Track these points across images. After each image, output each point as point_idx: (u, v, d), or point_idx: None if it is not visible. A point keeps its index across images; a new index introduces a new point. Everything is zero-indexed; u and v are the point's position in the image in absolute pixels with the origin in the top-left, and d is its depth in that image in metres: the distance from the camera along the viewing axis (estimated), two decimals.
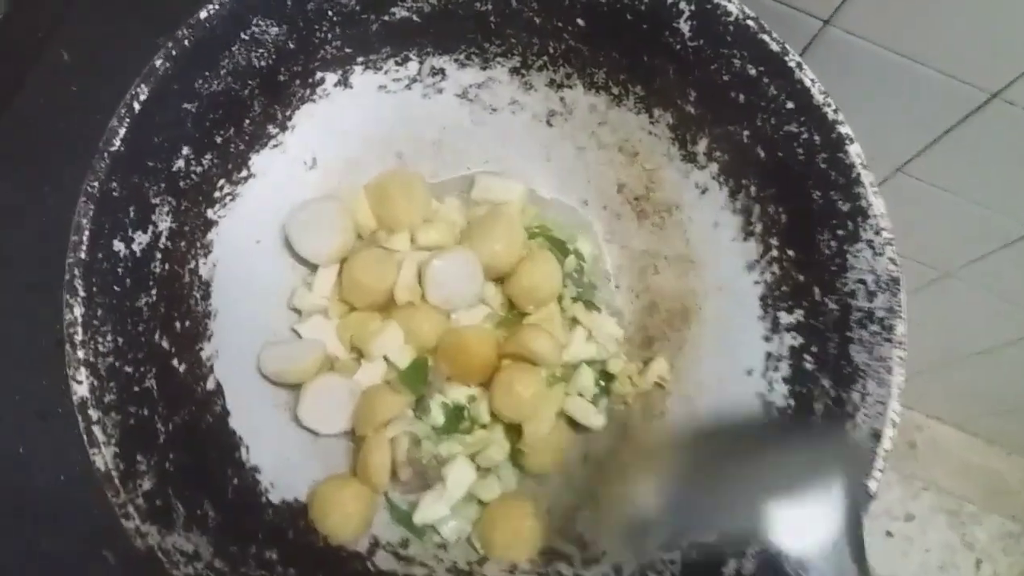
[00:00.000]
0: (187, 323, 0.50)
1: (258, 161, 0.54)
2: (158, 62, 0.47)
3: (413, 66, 0.57)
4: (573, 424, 0.59)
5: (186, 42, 0.48)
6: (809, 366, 0.53)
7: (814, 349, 0.53)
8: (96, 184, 0.45)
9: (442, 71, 0.58)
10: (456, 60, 0.57)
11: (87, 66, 0.68)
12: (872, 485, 0.47)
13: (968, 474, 1.21)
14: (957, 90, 0.63)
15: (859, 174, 0.51)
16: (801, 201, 0.54)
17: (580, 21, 0.55)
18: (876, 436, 0.48)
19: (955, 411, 1.18)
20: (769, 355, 0.55)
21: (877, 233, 0.51)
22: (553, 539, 0.55)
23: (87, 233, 0.44)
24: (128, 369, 0.45)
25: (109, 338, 0.45)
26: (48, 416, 0.59)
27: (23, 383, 0.60)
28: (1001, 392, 1.05)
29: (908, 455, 1.21)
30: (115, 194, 0.46)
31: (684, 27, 0.53)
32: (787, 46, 0.52)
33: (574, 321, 0.60)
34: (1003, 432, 1.18)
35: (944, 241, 0.81)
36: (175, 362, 0.48)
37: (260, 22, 0.50)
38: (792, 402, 0.53)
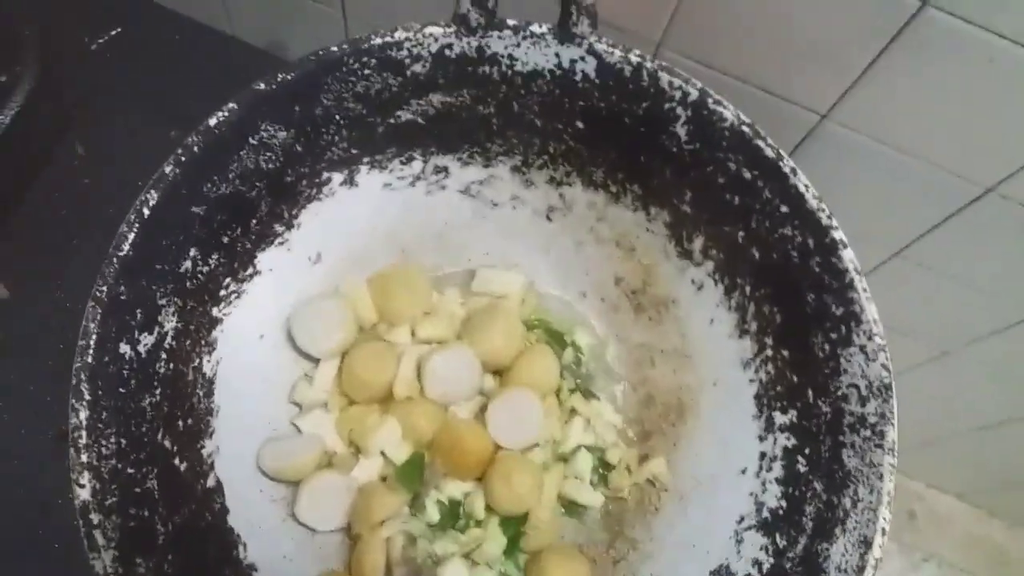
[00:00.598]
0: (189, 421, 0.51)
1: (264, 259, 0.55)
2: (167, 168, 0.49)
3: (417, 165, 0.59)
4: (570, 508, 0.60)
5: (195, 148, 0.49)
6: (802, 468, 0.54)
7: (807, 451, 0.54)
8: (104, 289, 0.46)
9: (445, 169, 0.59)
10: (459, 159, 0.59)
11: (101, 159, 0.71)
12: None
13: (970, 546, 1.20)
14: (953, 183, 0.64)
15: (852, 279, 0.52)
16: (795, 303, 0.54)
17: (579, 123, 0.57)
18: (867, 543, 0.49)
19: (956, 482, 1.17)
20: (763, 455, 0.55)
21: (870, 339, 0.51)
22: None
23: (94, 338, 0.46)
24: (130, 470, 0.46)
25: (112, 440, 0.46)
26: (50, 511, 0.60)
27: (24, 474, 0.61)
28: (1002, 466, 1.05)
29: (908, 525, 1.19)
30: (122, 298, 0.47)
31: (681, 131, 0.55)
32: (781, 152, 0.53)
33: (572, 412, 0.61)
34: (1005, 505, 1.17)
35: (942, 322, 0.81)
36: (176, 461, 0.49)
37: (268, 127, 0.52)
38: (784, 504, 0.53)
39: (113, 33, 0.76)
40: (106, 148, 0.71)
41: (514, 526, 0.57)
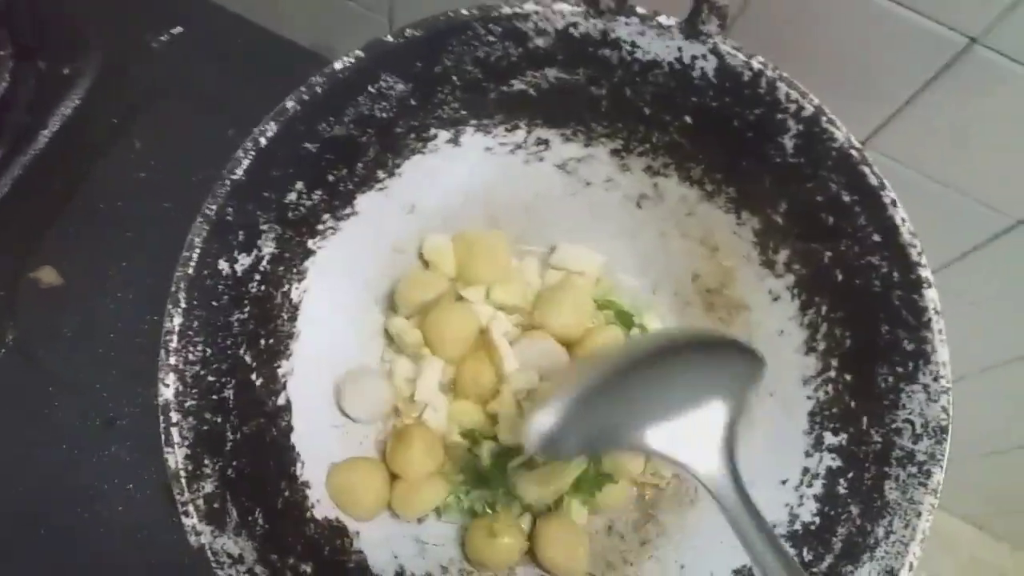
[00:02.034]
0: (271, 341, 0.54)
1: (362, 201, 0.57)
2: (289, 103, 0.51)
3: (521, 134, 0.60)
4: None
5: (318, 88, 0.51)
6: (842, 491, 0.54)
7: (851, 475, 0.55)
8: (214, 208, 0.49)
9: (547, 142, 0.60)
10: (562, 134, 0.60)
11: (157, 155, 0.72)
12: None
13: (973, 567, 1.20)
14: (984, 214, 0.63)
15: (931, 319, 0.52)
16: (868, 331, 0.55)
17: (688, 118, 0.57)
18: (891, 574, 0.50)
19: (963, 504, 1.17)
20: (806, 470, 0.56)
21: (935, 379, 0.52)
22: None
23: (197, 251, 0.48)
24: (211, 378, 0.50)
25: (199, 348, 0.49)
26: (96, 497, 0.63)
27: (73, 460, 0.63)
28: (1011, 492, 1.04)
29: None
30: (228, 218, 0.50)
31: (788, 143, 0.55)
32: (885, 182, 0.53)
33: None
34: (1009, 529, 1.17)
35: (961, 347, 0.80)
36: (253, 376, 0.53)
37: (388, 78, 0.53)
38: (818, 520, 0.54)
39: (175, 32, 0.77)
40: (162, 144, 0.72)
41: None
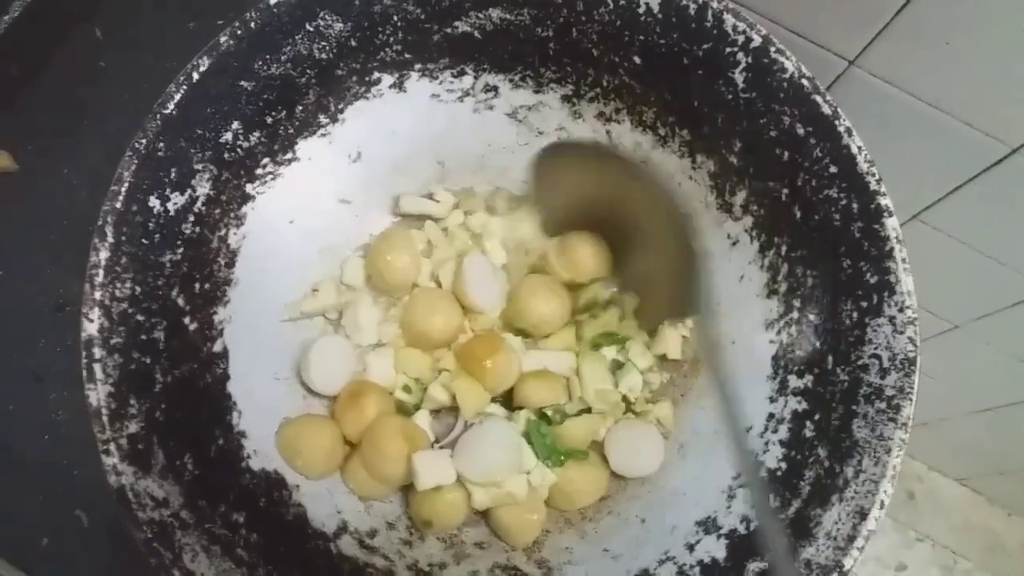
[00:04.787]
0: (207, 286, 0.52)
1: (304, 146, 0.56)
2: (223, 39, 0.50)
3: (468, 80, 0.59)
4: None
5: (252, 24, 0.51)
6: (809, 433, 0.52)
7: (817, 417, 0.52)
8: (144, 142, 0.48)
9: (495, 89, 0.59)
10: (511, 80, 0.59)
11: (118, 44, 0.71)
12: (848, 563, 0.46)
13: (966, 530, 1.17)
14: (979, 141, 0.61)
15: (893, 248, 0.50)
16: (830, 267, 0.53)
17: (637, 59, 0.56)
18: (862, 514, 0.47)
19: (958, 466, 1.14)
20: (771, 416, 0.54)
21: (901, 310, 0.49)
22: None
23: (126, 185, 0.47)
24: (140, 317, 0.47)
25: (128, 286, 0.47)
26: (43, 378, 0.62)
27: (21, 344, 0.63)
28: (1005, 452, 1.01)
29: (906, 504, 1.16)
30: (160, 154, 0.48)
31: (739, 78, 0.54)
32: (839, 110, 0.52)
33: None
34: (1005, 492, 1.13)
35: (956, 293, 0.79)
36: (187, 320, 0.50)
37: (327, 16, 0.53)
38: (784, 465, 0.52)
39: None
40: (124, 34, 0.72)
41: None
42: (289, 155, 0.56)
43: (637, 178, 0.54)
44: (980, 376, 0.89)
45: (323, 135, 0.57)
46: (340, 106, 0.56)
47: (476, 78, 0.59)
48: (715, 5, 0.52)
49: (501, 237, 0.61)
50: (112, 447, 0.44)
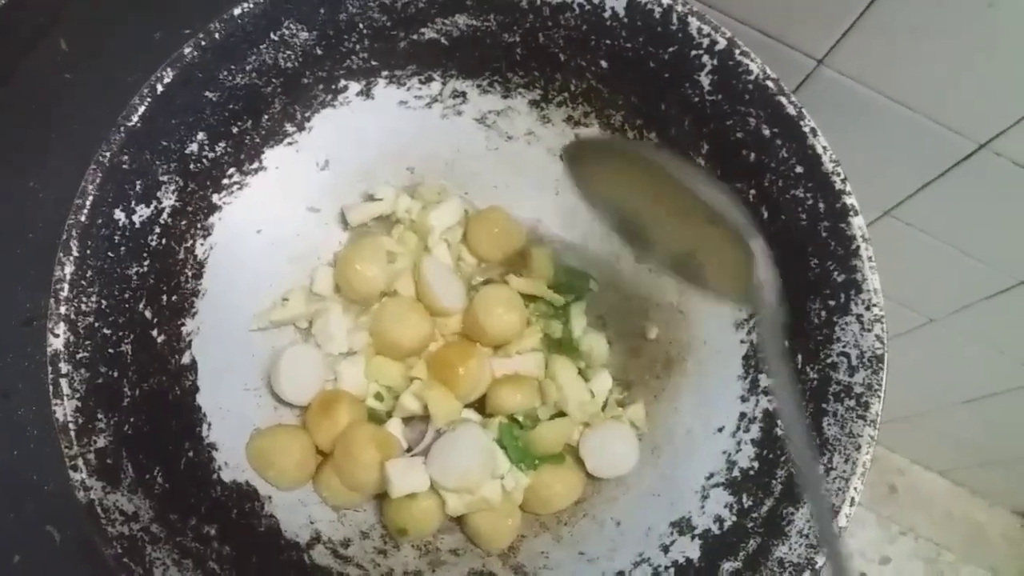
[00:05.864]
0: (174, 297, 0.51)
1: (271, 155, 0.56)
2: (187, 50, 0.50)
3: (436, 86, 0.59)
4: None
5: (216, 35, 0.50)
6: (780, 432, 0.52)
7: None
8: (108, 155, 0.47)
9: (463, 94, 0.59)
10: (478, 86, 0.59)
11: (84, 57, 0.71)
12: (820, 560, 0.46)
13: (948, 522, 1.18)
14: (946, 138, 0.62)
15: (859, 247, 0.50)
16: (797, 266, 0.53)
17: (603, 63, 0.56)
18: (833, 511, 0.47)
19: (939, 458, 1.15)
20: (743, 415, 0.54)
21: (868, 308, 0.50)
22: None
23: (91, 199, 0.47)
24: (106, 331, 0.47)
25: (93, 299, 0.47)
26: (10, 394, 0.61)
27: None
28: (985, 443, 1.02)
29: (888, 498, 1.17)
30: (124, 167, 0.48)
31: (705, 80, 0.54)
32: (804, 111, 0.52)
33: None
34: (986, 483, 1.14)
35: (930, 287, 0.80)
36: (154, 332, 0.50)
37: (291, 25, 0.52)
38: (756, 464, 0.52)
39: None
40: (90, 46, 0.71)
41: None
42: (256, 165, 0.55)
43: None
44: (958, 369, 0.90)
45: (290, 144, 0.56)
46: (307, 114, 0.56)
47: (444, 84, 0.59)
48: (680, 9, 0.52)
49: (441, 231, 0.61)
50: (80, 462, 0.44)
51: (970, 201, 0.68)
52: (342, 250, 0.59)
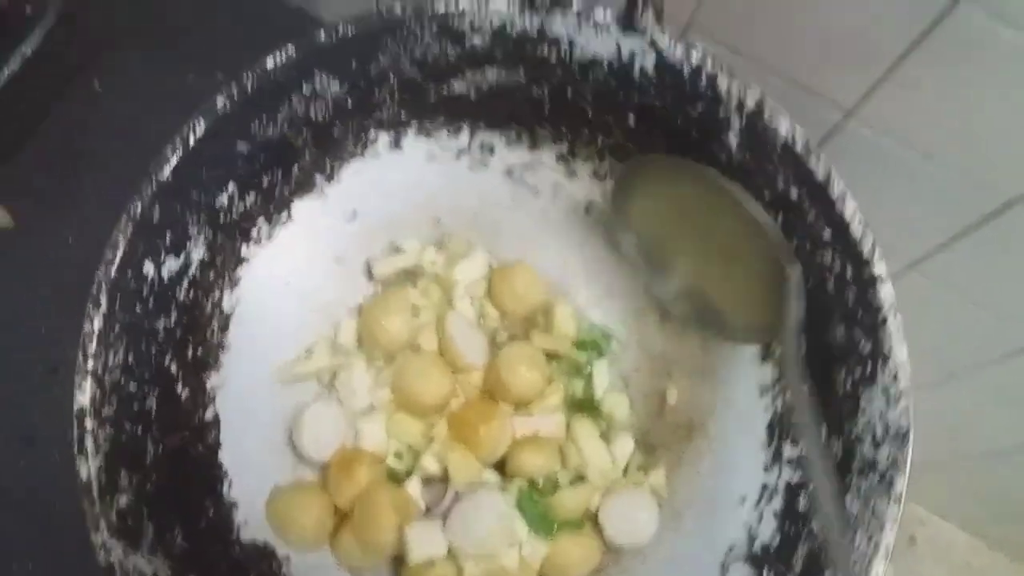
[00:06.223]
0: (199, 351, 0.52)
1: (300, 206, 0.56)
2: (219, 100, 0.50)
3: (464, 138, 0.59)
4: None
5: (248, 86, 0.50)
6: (803, 506, 0.51)
7: (811, 488, 0.52)
8: (139, 207, 0.48)
9: (491, 147, 0.59)
10: (506, 138, 0.59)
11: (117, 98, 0.72)
12: None
13: (968, 575, 1.15)
14: (976, 193, 0.60)
15: (886, 318, 0.50)
16: (824, 333, 0.52)
17: (631, 118, 0.56)
18: None
19: (959, 511, 1.12)
20: (765, 486, 0.53)
21: (895, 380, 0.49)
22: None
23: (121, 252, 0.47)
24: (132, 387, 0.47)
25: (120, 354, 0.47)
26: (35, 441, 0.62)
27: (13, 405, 0.62)
28: (1005, 498, 1.00)
29: (908, 550, 1.15)
30: (155, 219, 0.48)
31: (733, 140, 0.53)
32: (833, 174, 0.51)
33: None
34: (1007, 538, 1.12)
35: (952, 342, 0.78)
36: (179, 387, 0.50)
37: (323, 78, 0.52)
38: (778, 539, 0.51)
39: None
40: (123, 88, 0.72)
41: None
42: (284, 216, 0.56)
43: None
44: (979, 423, 0.89)
45: (319, 195, 0.57)
46: (336, 165, 0.57)
47: (472, 136, 0.59)
48: (709, 68, 0.52)
49: (465, 285, 0.60)
50: (102, 522, 0.44)
51: (997, 258, 0.67)
52: (366, 303, 0.59)
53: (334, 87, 0.53)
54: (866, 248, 0.50)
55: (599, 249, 0.61)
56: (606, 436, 0.59)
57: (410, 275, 0.61)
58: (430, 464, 0.55)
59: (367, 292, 0.61)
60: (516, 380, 0.57)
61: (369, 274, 0.61)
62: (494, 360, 0.58)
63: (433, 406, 0.56)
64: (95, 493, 0.44)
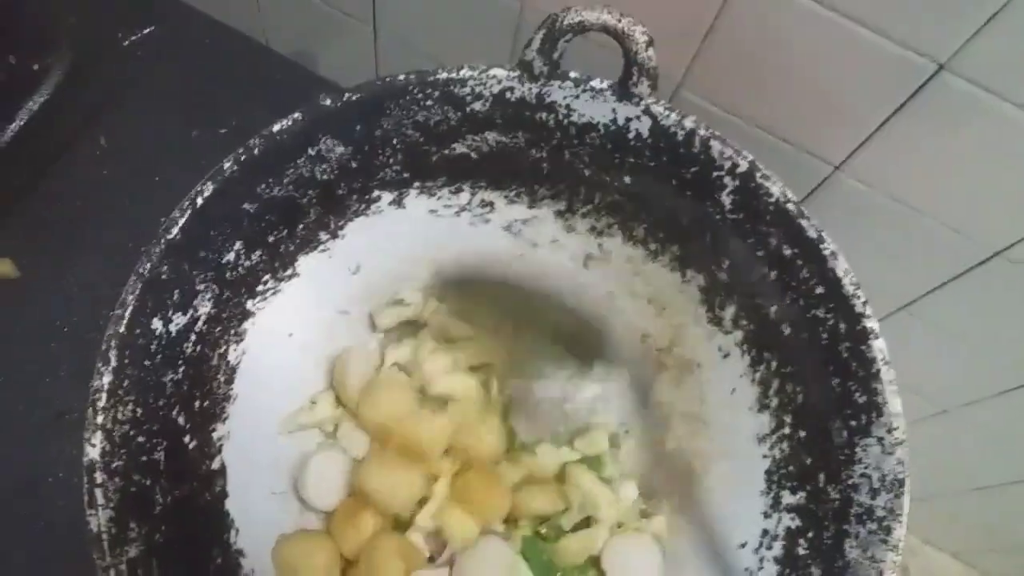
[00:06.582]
0: (206, 403, 0.53)
1: (304, 262, 0.57)
2: (227, 164, 0.51)
3: (465, 196, 0.60)
4: None
5: (256, 150, 0.52)
6: (802, 551, 0.52)
7: (810, 535, 0.52)
8: (148, 266, 0.49)
9: (491, 204, 0.61)
10: (506, 197, 0.61)
11: (122, 153, 0.73)
12: None
13: None
14: (963, 244, 0.63)
15: (879, 370, 0.51)
16: (819, 385, 0.54)
17: (627, 179, 0.58)
18: None
19: (952, 541, 1.12)
20: (765, 532, 0.54)
21: (889, 432, 0.50)
22: None
23: (130, 309, 0.48)
24: (141, 439, 0.48)
25: (129, 408, 0.48)
26: (39, 488, 0.62)
27: (17, 452, 0.63)
28: (996, 529, 1.00)
29: None
30: (163, 277, 0.49)
31: (726, 200, 0.55)
32: (823, 234, 0.53)
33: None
34: (999, 569, 1.12)
35: (943, 380, 0.80)
36: (187, 438, 0.51)
37: (328, 141, 0.54)
38: None
39: (146, 31, 0.79)
40: (128, 142, 0.74)
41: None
42: (290, 271, 0.57)
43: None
44: (971, 457, 0.89)
45: (323, 251, 0.58)
46: (341, 223, 0.58)
47: (473, 195, 0.60)
48: (702, 132, 0.54)
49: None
50: (112, 574, 0.44)
51: (985, 303, 0.68)
52: (363, 390, 0.60)
53: (339, 150, 0.55)
54: (858, 304, 0.52)
55: (598, 301, 0.63)
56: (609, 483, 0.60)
57: (411, 325, 0.62)
58: (426, 523, 0.56)
59: (369, 343, 0.62)
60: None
61: (372, 325, 0.62)
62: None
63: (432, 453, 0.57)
64: (106, 545, 0.44)
